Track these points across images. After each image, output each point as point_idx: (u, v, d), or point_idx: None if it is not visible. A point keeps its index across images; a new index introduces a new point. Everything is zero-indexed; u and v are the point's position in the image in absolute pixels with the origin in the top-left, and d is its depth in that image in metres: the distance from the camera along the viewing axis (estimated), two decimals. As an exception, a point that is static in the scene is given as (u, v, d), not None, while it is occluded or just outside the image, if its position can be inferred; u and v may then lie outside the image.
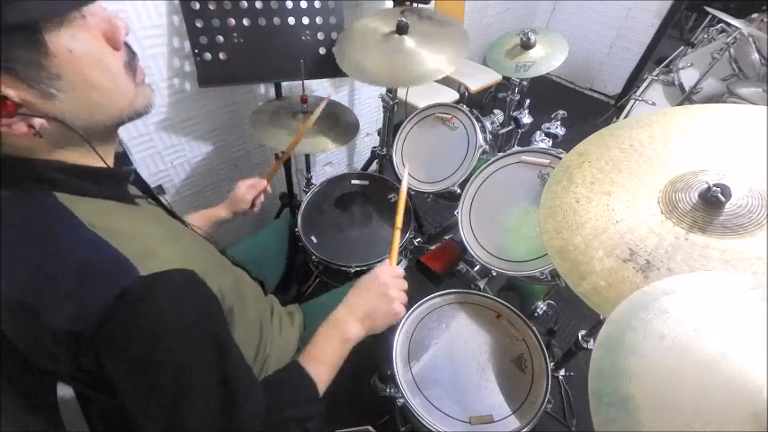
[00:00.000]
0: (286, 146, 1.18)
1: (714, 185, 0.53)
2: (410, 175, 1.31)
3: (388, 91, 1.43)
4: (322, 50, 1.20)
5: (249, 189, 0.97)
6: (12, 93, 0.37)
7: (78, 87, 0.42)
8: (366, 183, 1.39)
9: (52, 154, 0.45)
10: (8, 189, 0.43)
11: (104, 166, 0.50)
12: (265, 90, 1.46)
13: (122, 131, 0.56)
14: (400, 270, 0.71)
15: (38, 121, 0.40)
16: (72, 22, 0.40)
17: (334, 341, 0.63)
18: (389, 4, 1.56)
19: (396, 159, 1.34)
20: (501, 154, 1.07)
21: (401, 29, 1.15)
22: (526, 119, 1.51)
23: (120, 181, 0.53)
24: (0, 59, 0.36)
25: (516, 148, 1.06)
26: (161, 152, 1.31)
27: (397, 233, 0.78)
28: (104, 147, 0.50)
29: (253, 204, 0.97)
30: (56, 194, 0.44)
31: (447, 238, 1.31)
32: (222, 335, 0.49)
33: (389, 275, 0.69)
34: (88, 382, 0.49)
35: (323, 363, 0.60)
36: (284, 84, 1.32)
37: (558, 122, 1.23)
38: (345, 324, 0.64)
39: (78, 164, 0.47)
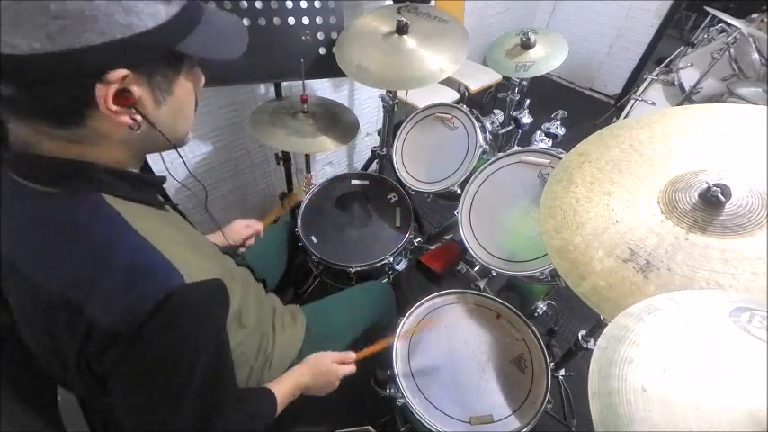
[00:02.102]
0: (286, 146, 1.18)
1: (714, 185, 0.53)
2: (410, 175, 1.31)
3: (388, 91, 1.43)
4: (322, 50, 1.20)
5: (245, 228, 0.98)
6: (136, 90, 0.43)
7: (175, 108, 0.50)
8: (366, 183, 1.39)
9: (111, 146, 0.48)
10: (57, 187, 0.46)
11: (138, 171, 0.54)
12: (265, 90, 1.46)
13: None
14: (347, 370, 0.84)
15: (139, 119, 0.46)
16: (195, 69, 0.52)
17: (288, 390, 0.75)
18: (389, 3, 1.55)
19: (396, 159, 1.34)
20: (501, 154, 1.07)
21: (401, 29, 1.15)
22: (526, 119, 1.51)
23: (152, 187, 0.56)
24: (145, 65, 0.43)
25: (516, 148, 1.06)
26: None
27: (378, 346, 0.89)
28: (142, 156, 0.55)
29: (242, 244, 0.98)
30: (103, 195, 0.47)
31: (447, 238, 1.31)
32: (226, 341, 0.56)
33: (335, 373, 0.81)
34: (86, 383, 0.50)
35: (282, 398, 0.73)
36: (284, 84, 1.32)
37: (558, 122, 1.23)
38: (294, 383, 0.77)
39: (119, 167, 0.50)
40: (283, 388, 0.73)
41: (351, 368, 0.84)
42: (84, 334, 0.44)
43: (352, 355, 0.85)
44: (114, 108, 0.42)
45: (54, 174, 0.45)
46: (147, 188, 0.54)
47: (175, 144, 0.54)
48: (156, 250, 0.46)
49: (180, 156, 0.58)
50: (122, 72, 0.40)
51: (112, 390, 0.49)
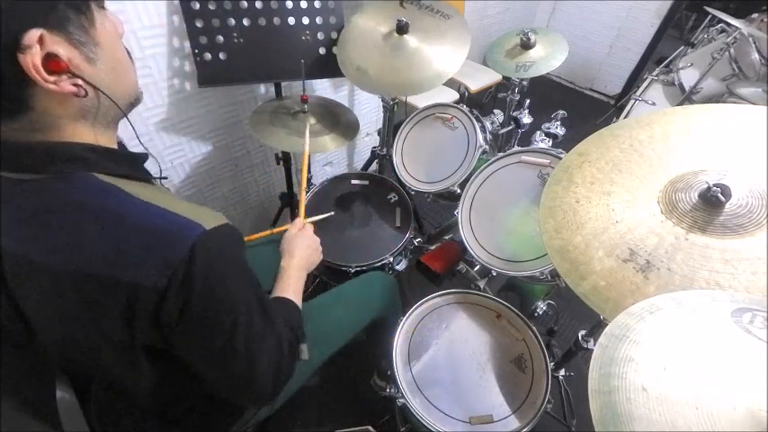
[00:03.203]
0: (286, 146, 1.18)
1: (714, 185, 0.53)
2: (410, 175, 1.31)
3: (389, 91, 1.43)
4: (322, 50, 1.20)
5: None
6: (61, 51, 0.42)
7: (109, 58, 0.48)
8: (366, 183, 1.39)
9: (75, 128, 0.47)
10: (43, 172, 0.45)
11: (117, 148, 0.54)
12: (265, 90, 1.46)
13: (122, 131, 0.59)
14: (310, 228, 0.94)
15: (81, 82, 0.44)
16: (106, 12, 0.48)
17: (293, 281, 0.80)
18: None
19: (396, 159, 1.34)
20: (501, 154, 1.07)
21: (401, 29, 1.15)
22: (526, 119, 1.51)
23: (136, 162, 0.56)
24: (54, 18, 0.41)
25: (516, 148, 1.06)
26: (161, 152, 1.31)
27: (303, 193, 1.02)
28: (112, 132, 0.54)
29: None
30: (95, 174, 0.47)
31: (447, 238, 1.31)
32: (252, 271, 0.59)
33: (310, 237, 0.91)
34: (147, 346, 0.52)
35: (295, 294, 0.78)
36: (284, 84, 1.32)
37: (558, 122, 1.23)
38: (292, 274, 0.81)
39: (97, 145, 0.49)
40: (290, 287, 0.77)
41: (309, 227, 0.93)
42: (128, 303, 0.45)
43: (298, 222, 0.93)
44: (51, 78, 0.41)
45: (36, 159, 0.45)
46: (130, 163, 0.54)
47: (130, 101, 0.54)
48: (167, 210, 0.47)
49: (130, 123, 0.57)
50: (36, 32, 0.39)
51: (183, 349, 0.52)
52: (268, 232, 1.03)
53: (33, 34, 0.39)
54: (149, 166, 0.59)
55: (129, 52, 0.53)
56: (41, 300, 0.50)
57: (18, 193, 0.46)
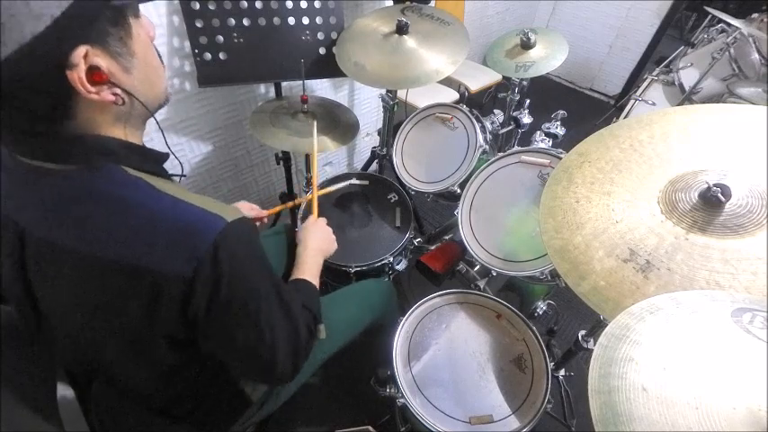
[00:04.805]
0: (286, 145, 1.18)
1: (714, 185, 0.53)
2: (410, 175, 1.31)
3: (388, 91, 1.43)
4: (322, 50, 1.20)
5: (250, 210, 1.00)
6: (102, 63, 0.44)
7: (143, 66, 0.50)
8: (366, 183, 1.39)
9: (110, 129, 0.50)
10: (75, 163, 0.47)
11: (144, 145, 0.57)
12: (265, 90, 1.46)
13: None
14: (323, 221, 1.00)
15: (119, 91, 0.47)
16: (141, 19, 0.50)
17: (309, 265, 0.86)
18: (390, 4, 1.56)
19: (396, 159, 1.34)
20: (501, 154, 1.07)
21: (401, 29, 1.15)
22: (526, 119, 1.51)
23: (158, 160, 0.58)
24: (95, 32, 0.43)
25: (516, 148, 1.06)
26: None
27: (316, 191, 1.09)
28: (140, 133, 0.57)
29: None
30: (123, 168, 0.49)
31: (447, 238, 1.31)
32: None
33: (324, 227, 0.98)
34: (173, 338, 0.54)
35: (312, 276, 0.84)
36: (284, 84, 1.32)
37: (558, 122, 1.23)
38: (308, 259, 0.87)
39: (127, 141, 0.52)
40: (307, 270, 0.83)
41: (322, 220, 0.99)
42: (152, 292, 0.47)
43: (311, 218, 0.98)
44: (93, 89, 0.43)
45: (68, 150, 0.47)
46: (154, 160, 0.56)
47: (160, 104, 0.57)
48: (191, 203, 0.49)
49: (157, 123, 0.60)
50: (82, 49, 0.41)
51: (209, 339, 0.55)
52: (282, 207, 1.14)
53: (80, 51, 0.41)
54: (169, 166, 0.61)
55: (160, 55, 0.55)
56: (61, 285, 0.51)
57: (47, 182, 0.47)
